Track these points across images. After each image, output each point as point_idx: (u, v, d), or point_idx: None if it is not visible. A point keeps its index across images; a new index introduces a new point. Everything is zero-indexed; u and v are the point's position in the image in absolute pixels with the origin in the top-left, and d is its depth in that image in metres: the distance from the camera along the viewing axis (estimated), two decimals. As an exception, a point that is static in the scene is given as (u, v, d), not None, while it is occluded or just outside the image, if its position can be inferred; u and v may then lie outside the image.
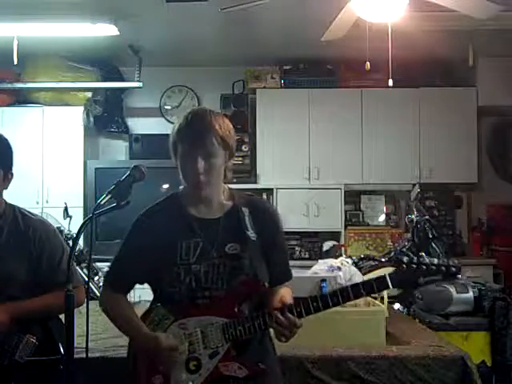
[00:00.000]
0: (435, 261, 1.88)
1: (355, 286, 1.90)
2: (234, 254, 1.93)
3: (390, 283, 1.87)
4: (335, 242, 5.99)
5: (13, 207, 2.33)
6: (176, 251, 1.92)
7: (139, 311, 2.01)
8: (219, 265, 1.92)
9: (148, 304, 2.03)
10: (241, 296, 1.92)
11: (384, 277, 1.88)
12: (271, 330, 1.94)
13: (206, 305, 1.90)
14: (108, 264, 2.06)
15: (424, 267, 1.87)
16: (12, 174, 2.30)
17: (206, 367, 1.87)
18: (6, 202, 2.33)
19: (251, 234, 1.96)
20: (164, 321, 1.91)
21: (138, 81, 5.87)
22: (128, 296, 2.08)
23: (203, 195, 1.96)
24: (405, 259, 1.89)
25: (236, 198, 2.03)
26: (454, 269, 1.88)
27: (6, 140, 2.29)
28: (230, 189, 2.06)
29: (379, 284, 1.88)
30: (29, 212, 2.36)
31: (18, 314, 2.19)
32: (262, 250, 1.98)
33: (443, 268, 1.88)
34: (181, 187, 2.04)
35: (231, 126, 1.98)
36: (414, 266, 1.87)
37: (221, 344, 1.87)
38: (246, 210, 1.99)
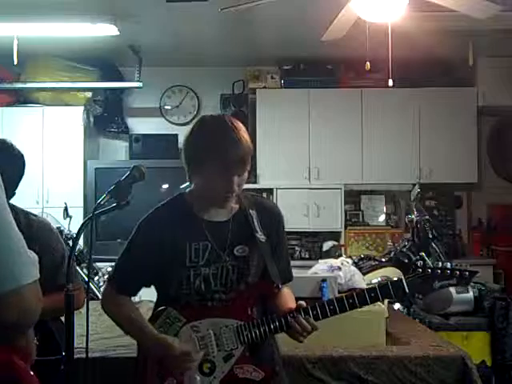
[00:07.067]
0: (449, 265, 1.92)
1: (372, 290, 1.91)
2: (243, 257, 1.93)
3: (406, 287, 1.90)
4: (335, 242, 5.99)
5: (12, 206, 2.32)
6: (185, 253, 1.90)
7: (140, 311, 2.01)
8: (228, 267, 1.91)
9: (149, 303, 2.02)
10: (254, 298, 1.93)
11: (400, 280, 1.91)
12: None
13: (218, 307, 1.90)
14: (108, 264, 2.04)
15: (439, 271, 1.91)
16: None
17: (221, 370, 1.87)
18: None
19: (261, 236, 1.95)
20: (176, 323, 1.90)
21: (138, 81, 5.86)
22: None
23: (225, 205, 1.95)
24: (419, 263, 1.92)
25: (242, 200, 2.01)
26: (467, 273, 1.91)
27: None
28: None
29: (396, 288, 1.90)
30: (30, 212, 2.34)
31: None
32: (271, 250, 1.98)
33: (457, 272, 1.91)
34: (187, 189, 2.01)
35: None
36: (429, 270, 1.91)
37: (235, 346, 1.87)
38: (253, 213, 1.98)
